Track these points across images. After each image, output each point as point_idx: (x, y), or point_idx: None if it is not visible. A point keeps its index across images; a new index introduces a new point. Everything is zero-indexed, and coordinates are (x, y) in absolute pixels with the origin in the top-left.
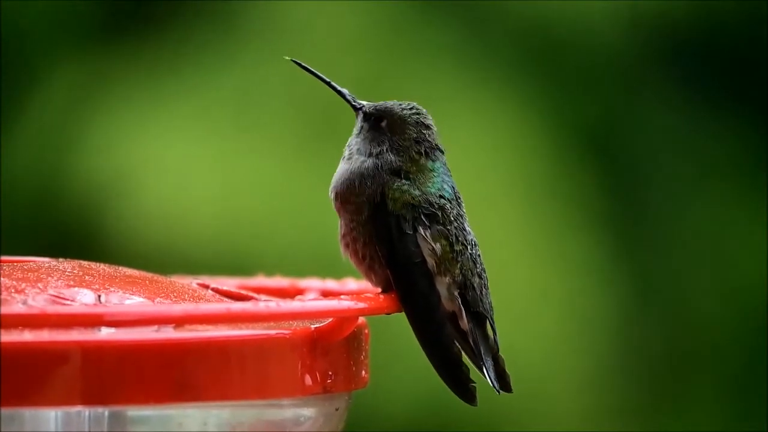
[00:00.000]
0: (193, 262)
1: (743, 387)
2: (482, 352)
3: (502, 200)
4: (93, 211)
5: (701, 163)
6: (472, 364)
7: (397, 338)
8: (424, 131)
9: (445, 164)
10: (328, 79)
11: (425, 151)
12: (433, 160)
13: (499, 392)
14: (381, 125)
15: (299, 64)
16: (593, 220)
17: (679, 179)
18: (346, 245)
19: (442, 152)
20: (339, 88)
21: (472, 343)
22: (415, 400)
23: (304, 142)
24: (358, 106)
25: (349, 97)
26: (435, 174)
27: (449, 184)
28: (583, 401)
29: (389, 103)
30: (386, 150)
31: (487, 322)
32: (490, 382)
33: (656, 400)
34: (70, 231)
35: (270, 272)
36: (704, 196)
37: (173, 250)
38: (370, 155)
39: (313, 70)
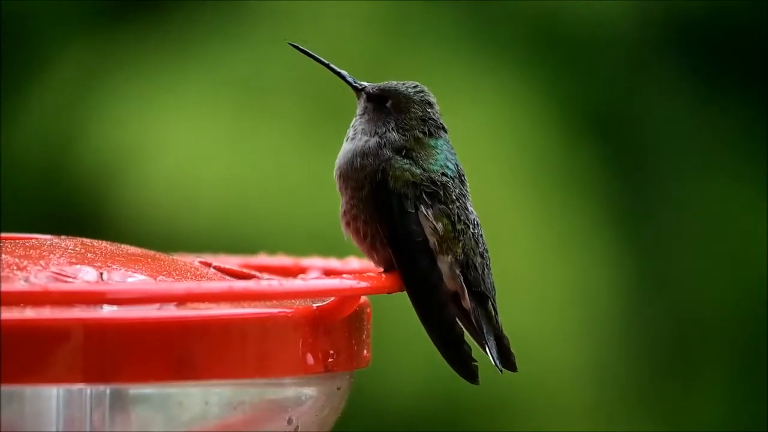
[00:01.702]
0: (199, 240)
1: (748, 369)
2: (485, 331)
3: (507, 184)
4: (100, 190)
5: (705, 146)
6: (473, 343)
7: (401, 317)
8: (429, 109)
9: (448, 142)
10: (327, 62)
11: (429, 129)
12: (435, 138)
13: (501, 371)
14: (385, 105)
15: (298, 48)
16: (598, 203)
17: (683, 162)
18: (347, 223)
19: (445, 131)
20: (338, 69)
21: (474, 322)
22: (419, 380)
23: (309, 123)
24: (360, 87)
25: (349, 79)
26: (438, 151)
27: (453, 161)
28: (587, 384)
29: (392, 83)
30: (391, 129)
31: (489, 301)
32: (492, 361)
33: (660, 382)
34: (77, 209)
35: (274, 251)
36: (708, 179)
37: (179, 229)
38: (374, 134)
39: (312, 53)
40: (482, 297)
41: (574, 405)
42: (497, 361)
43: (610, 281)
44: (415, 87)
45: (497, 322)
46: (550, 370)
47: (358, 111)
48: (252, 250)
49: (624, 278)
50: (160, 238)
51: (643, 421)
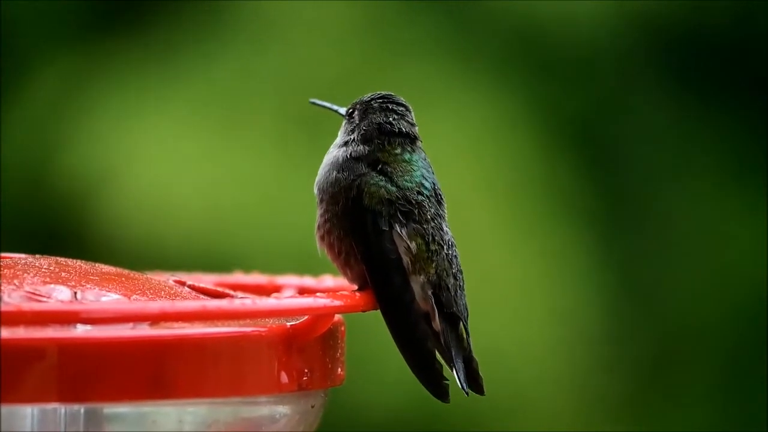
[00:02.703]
0: (178, 256)
1: (732, 380)
2: (453, 353)
3: (486, 196)
4: (80, 204)
5: (687, 158)
6: (445, 362)
7: (378, 329)
8: (389, 116)
9: (425, 159)
10: (335, 108)
11: (388, 139)
12: (409, 152)
13: (467, 394)
14: (353, 116)
15: (317, 104)
16: (578, 216)
17: (665, 174)
18: (321, 237)
19: (412, 140)
20: (341, 110)
21: (443, 344)
22: (396, 393)
23: (290, 139)
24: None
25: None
26: (414, 168)
27: (429, 180)
28: (569, 399)
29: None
30: (355, 139)
31: (461, 323)
32: (459, 384)
33: (643, 396)
34: (57, 225)
35: (253, 268)
36: (690, 191)
37: (158, 244)
38: (342, 145)
39: (328, 105)
40: (454, 318)
41: (555, 418)
42: (464, 384)
43: (592, 293)
44: (380, 96)
45: (468, 344)
46: (531, 383)
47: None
48: (231, 265)
49: (605, 290)
50: (140, 253)
51: None
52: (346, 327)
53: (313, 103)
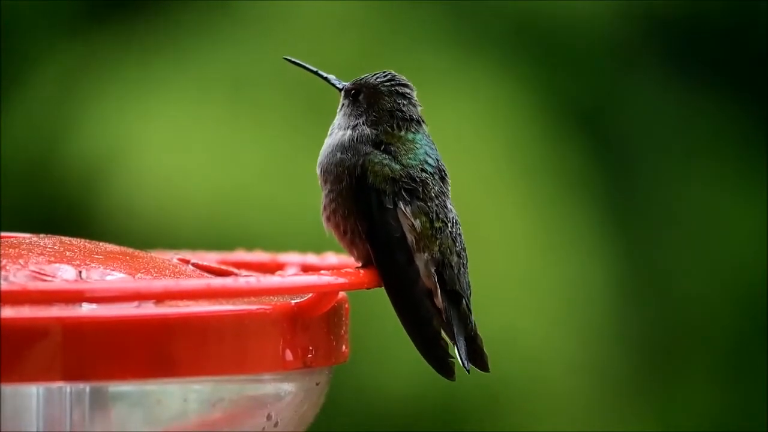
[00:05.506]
0: (184, 238)
1: (739, 365)
2: (455, 330)
3: (496, 180)
4: (86, 189)
5: (693, 142)
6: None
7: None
8: (399, 101)
9: (428, 136)
10: (315, 69)
11: (398, 123)
12: (413, 132)
13: (468, 371)
14: (359, 99)
15: (291, 61)
16: (587, 199)
17: (671, 158)
18: (327, 218)
19: (419, 123)
20: (325, 75)
21: (445, 321)
22: (413, 376)
23: (294, 122)
24: (341, 87)
25: (334, 81)
26: (417, 146)
27: (433, 156)
28: (580, 381)
29: (366, 75)
30: (363, 122)
31: (463, 301)
32: (460, 361)
33: (653, 379)
34: (63, 210)
35: (259, 247)
36: (696, 174)
37: (164, 227)
38: (348, 128)
39: (302, 63)
40: (456, 296)
41: (567, 403)
42: (465, 361)
43: (602, 277)
44: (385, 76)
45: (470, 322)
46: (542, 365)
47: (338, 108)
48: (238, 246)
49: (616, 272)
50: (145, 237)
51: (638, 419)
52: (350, 305)
53: (288, 60)
